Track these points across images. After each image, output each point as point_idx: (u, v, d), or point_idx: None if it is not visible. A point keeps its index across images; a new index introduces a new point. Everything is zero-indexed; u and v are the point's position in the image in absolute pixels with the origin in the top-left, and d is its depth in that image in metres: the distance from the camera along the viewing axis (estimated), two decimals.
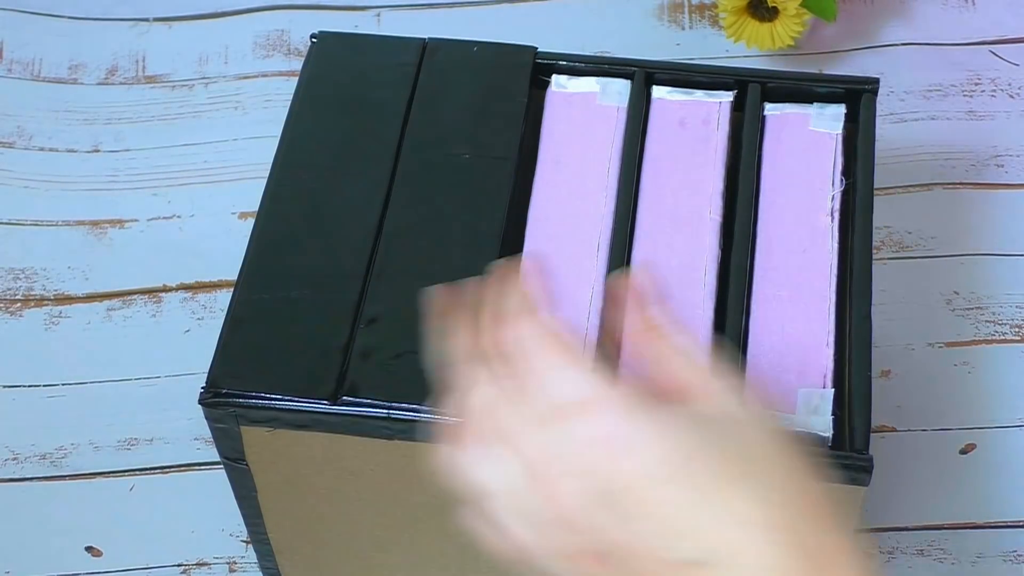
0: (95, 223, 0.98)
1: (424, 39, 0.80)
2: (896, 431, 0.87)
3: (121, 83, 1.05)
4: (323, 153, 0.76)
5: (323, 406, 0.67)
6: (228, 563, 0.84)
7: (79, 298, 0.95)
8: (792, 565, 0.46)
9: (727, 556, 0.47)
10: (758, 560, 0.46)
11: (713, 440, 0.49)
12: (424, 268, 0.71)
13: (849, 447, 0.66)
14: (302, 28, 1.06)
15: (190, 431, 0.89)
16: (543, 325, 0.54)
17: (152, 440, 0.89)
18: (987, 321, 0.91)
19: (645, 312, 0.55)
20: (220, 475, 0.74)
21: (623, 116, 0.77)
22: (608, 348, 0.59)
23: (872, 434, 0.66)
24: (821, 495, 0.48)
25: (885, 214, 0.94)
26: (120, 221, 0.98)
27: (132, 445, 0.89)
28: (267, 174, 0.75)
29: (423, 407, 0.66)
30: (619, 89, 0.78)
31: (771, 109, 0.77)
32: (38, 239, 0.98)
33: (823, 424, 0.66)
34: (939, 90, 1.01)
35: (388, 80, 0.78)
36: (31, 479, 0.88)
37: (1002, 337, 0.90)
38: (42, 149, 1.02)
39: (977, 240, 0.94)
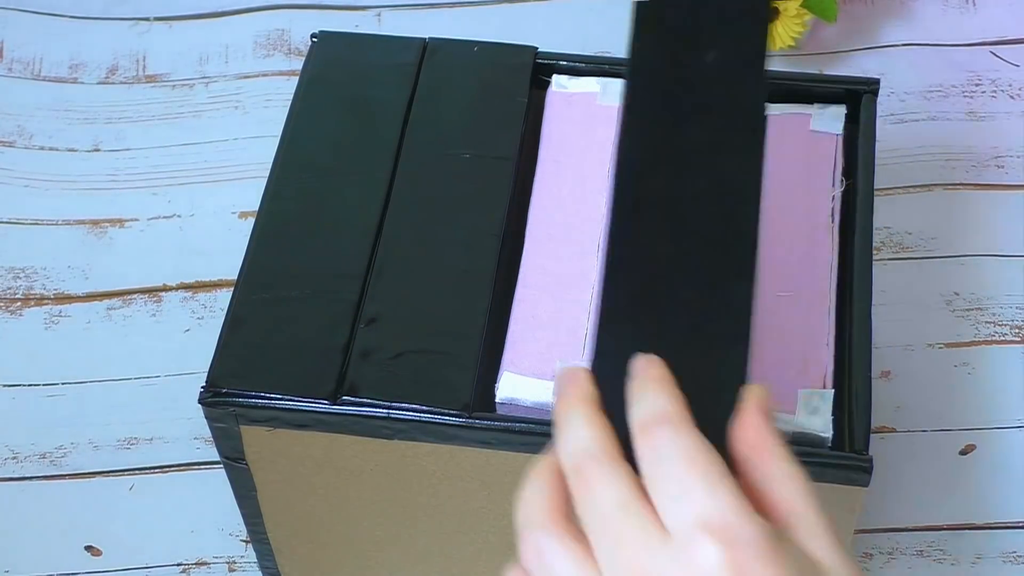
0: (95, 222, 0.98)
1: (424, 39, 0.80)
2: (896, 432, 0.87)
3: (122, 82, 1.05)
4: (323, 153, 0.76)
5: (323, 406, 0.67)
6: (228, 563, 0.84)
7: (79, 297, 0.95)
8: None
9: None
10: None
11: None
12: (424, 268, 0.71)
13: (849, 448, 0.66)
14: (303, 28, 1.06)
15: (190, 431, 0.89)
16: (689, 437, 0.50)
17: (152, 439, 0.89)
18: (987, 322, 0.91)
19: (761, 429, 0.52)
20: (220, 475, 0.74)
21: None
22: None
23: (872, 435, 0.66)
24: None
25: (885, 215, 0.94)
26: (120, 220, 0.98)
27: (132, 444, 0.89)
28: (267, 174, 0.75)
29: (423, 407, 0.66)
30: (619, 89, 0.78)
31: (771, 109, 0.77)
32: (38, 238, 0.98)
33: (823, 425, 0.66)
34: (939, 91, 1.01)
35: (388, 80, 0.78)
36: (31, 478, 0.88)
37: (1002, 338, 0.90)
38: (42, 148, 1.02)
39: (977, 241, 0.94)
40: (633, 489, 0.50)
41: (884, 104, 0.99)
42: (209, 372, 0.68)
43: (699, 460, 0.50)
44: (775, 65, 1.02)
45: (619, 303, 0.54)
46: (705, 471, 0.49)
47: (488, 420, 0.67)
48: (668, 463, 0.50)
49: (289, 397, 0.68)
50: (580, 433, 0.52)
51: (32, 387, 0.91)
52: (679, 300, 0.53)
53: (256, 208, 0.74)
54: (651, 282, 0.53)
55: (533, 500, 0.52)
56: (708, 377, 0.52)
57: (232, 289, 0.71)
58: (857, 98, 0.77)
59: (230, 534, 0.85)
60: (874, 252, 0.79)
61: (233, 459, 0.71)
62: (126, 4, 1.09)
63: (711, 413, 0.51)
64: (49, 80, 1.05)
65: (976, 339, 0.90)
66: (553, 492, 0.52)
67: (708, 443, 0.50)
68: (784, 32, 1.00)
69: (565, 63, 0.79)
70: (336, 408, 0.67)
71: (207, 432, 0.70)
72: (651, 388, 0.52)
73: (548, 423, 0.67)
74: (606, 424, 0.52)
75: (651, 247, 0.54)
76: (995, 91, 1.01)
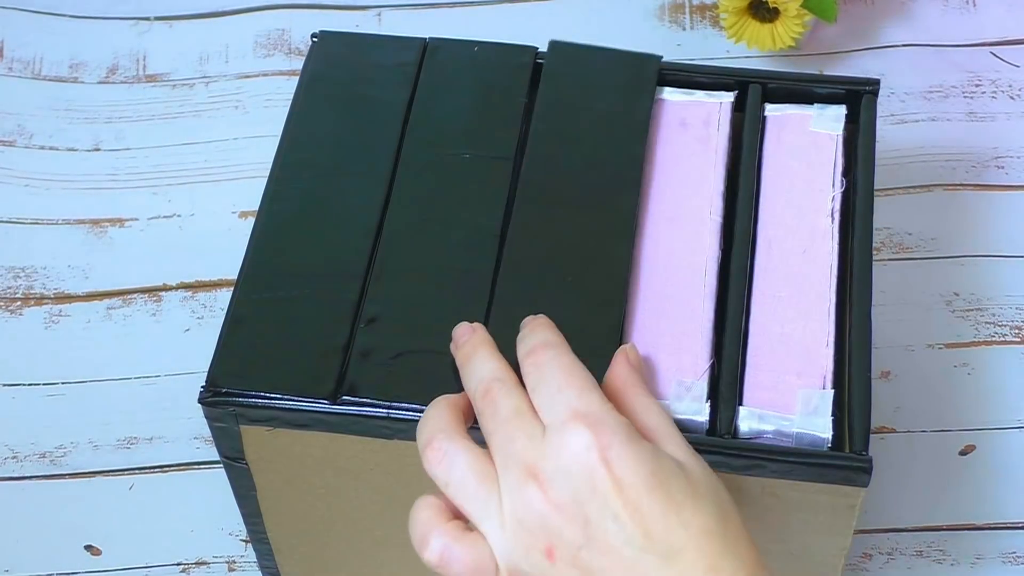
0: (95, 222, 0.98)
1: (425, 39, 0.80)
2: (896, 432, 0.87)
3: (122, 82, 1.05)
4: (323, 153, 0.76)
5: (323, 406, 0.67)
6: (227, 562, 0.84)
7: (79, 297, 0.95)
8: (728, 564, 0.58)
9: (680, 553, 0.58)
10: (703, 559, 0.58)
11: (680, 471, 0.60)
12: (424, 268, 0.71)
13: (849, 448, 0.66)
14: (303, 27, 1.06)
15: (190, 430, 0.89)
16: (565, 355, 0.63)
17: (152, 439, 0.89)
18: (987, 322, 0.91)
19: (628, 372, 0.65)
20: (220, 474, 0.74)
21: None
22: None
23: (872, 435, 0.66)
24: (742, 521, 0.61)
25: (885, 215, 0.94)
26: (120, 220, 0.98)
27: (132, 444, 0.89)
28: (267, 173, 0.75)
29: (423, 407, 0.66)
30: None
31: (772, 110, 0.77)
32: (38, 237, 0.98)
33: (823, 425, 0.66)
34: (940, 91, 1.01)
35: (389, 80, 0.78)
36: (30, 478, 0.88)
37: (1002, 339, 0.90)
38: (43, 148, 1.02)
39: (977, 241, 0.94)
40: (526, 400, 0.62)
41: (884, 104, 0.99)
42: (209, 372, 0.68)
43: (574, 372, 0.62)
44: (775, 65, 1.02)
45: (511, 290, 0.69)
46: (579, 380, 0.62)
47: None
48: (547, 375, 0.62)
49: (289, 397, 0.68)
50: (487, 364, 0.64)
51: (32, 387, 0.91)
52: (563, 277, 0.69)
53: (256, 208, 0.74)
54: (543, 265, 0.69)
55: (438, 417, 0.63)
56: (586, 339, 0.66)
57: (232, 289, 0.71)
58: (857, 98, 0.77)
59: (230, 534, 0.85)
60: (874, 252, 0.79)
61: (233, 459, 0.71)
62: (126, 3, 1.09)
63: (587, 363, 0.63)
64: (49, 79, 1.05)
65: (976, 339, 0.90)
66: (452, 413, 0.64)
67: (582, 364, 0.62)
68: (784, 32, 1.00)
69: None
70: (336, 408, 0.67)
71: (207, 432, 0.70)
72: (537, 327, 0.65)
73: None
74: (504, 359, 0.64)
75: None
76: (995, 92, 1.01)
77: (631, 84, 0.77)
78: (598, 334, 0.68)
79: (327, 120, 0.77)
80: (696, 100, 0.77)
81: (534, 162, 0.74)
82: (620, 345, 0.68)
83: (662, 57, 0.78)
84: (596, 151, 0.74)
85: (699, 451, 0.65)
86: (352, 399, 0.67)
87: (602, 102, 0.76)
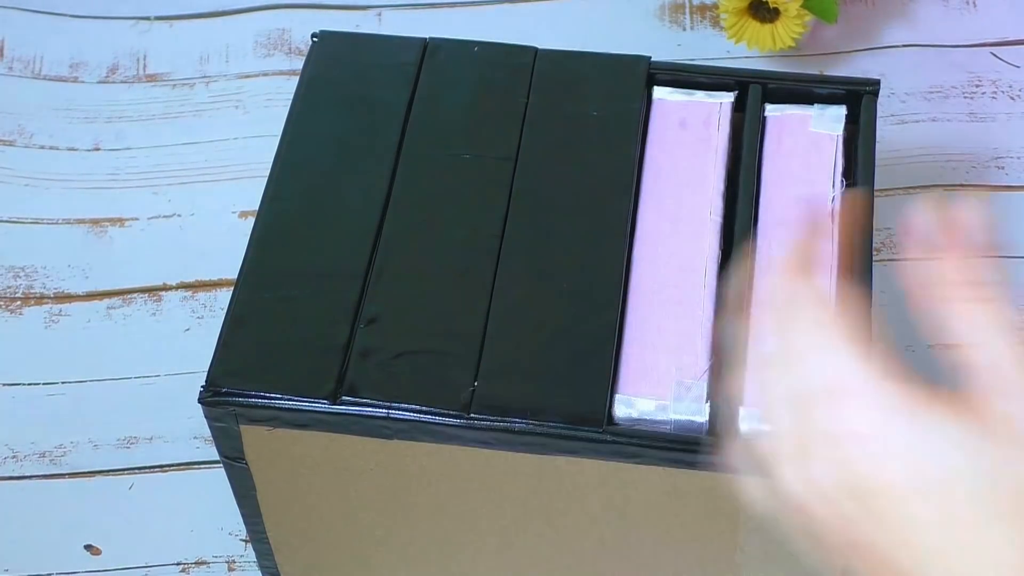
0: (95, 221, 0.98)
1: (425, 39, 0.80)
2: None
3: (122, 81, 1.05)
4: (323, 153, 0.76)
5: (322, 406, 0.67)
6: (227, 562, 0.84)
7: (79, 296, 0.95)
8: None
9: None
10: None
11: (985, 469, 0.44)
12: (424, 268, 0.71)
13: None
14: (303, 27, 1.06)
15: (190, 430, 0.89)
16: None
17: (152, 439, 0.89)
18: None
19: (959, 259, 0.46)
20: (220, 474, 0.74)
21: None
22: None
23: None
24: None
25: (885, 215, 0.94)
26: (120, 220, 0.98)
27: (131, 444, 0.89)
28: (267, 173, 0.75)
29: (422, 407, 0.66)
30: None
31: (772, 110, 0.77)
32: (38, 237, 0.98)
33: None
34: (940, 92, 1.01)
35: (389, 80, 0.78)
36: (31, 477, 0.88)
37: None
38: (43, 147, 1.02)
39: None
40: None
41: (884, 105, 0.99)
42: (209, 372, 0.68)
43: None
44: (775, 65, 1.02)
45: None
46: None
47: (487, 420, 0.67)
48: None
49: (289, 397, 0.68)
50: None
51: (32, 386, 0.91)
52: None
53: (256, 208, 0.74)
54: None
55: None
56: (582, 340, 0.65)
57: (232, 289, 0.71)
58: (857, 99, 0.77)
59: (230, 534, 0.85)
60: (874, 253, 0.79)
61: (233, 459, 0.71)
62: (127, 3, 1.09)
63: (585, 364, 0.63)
64: (50, 79, 1.05)
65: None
66: None
67: None
68: (784, 33, 1.00)
69: None
70: (336, 408, 0.67)
71: (207, 432, 0.70)
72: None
73: (549, 426, 0.67)
74: None
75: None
76: (995, 92, 1.01)
77: (621, 87, 0.77)
78: (593, 336, 0.68)
79: (327, 120, 0.77)
80: (696, 100, 0.77)
81: (530, 168, 0.74)
82: (615, 345, 0.67)
83: (651, 58, 0.78)
84: (590, 154, 0.74)
85: (698, 451, 0.65)
86: (352, 399, 0.67)
87: (594, 106, 0.76)
